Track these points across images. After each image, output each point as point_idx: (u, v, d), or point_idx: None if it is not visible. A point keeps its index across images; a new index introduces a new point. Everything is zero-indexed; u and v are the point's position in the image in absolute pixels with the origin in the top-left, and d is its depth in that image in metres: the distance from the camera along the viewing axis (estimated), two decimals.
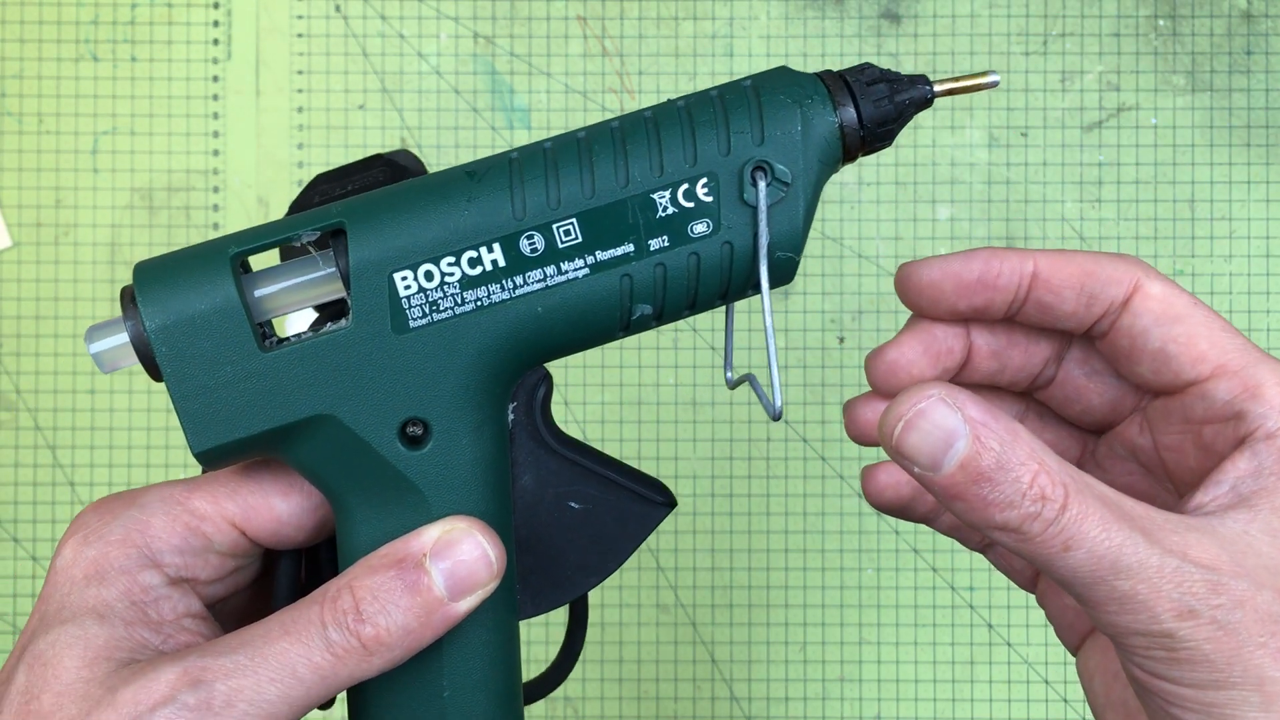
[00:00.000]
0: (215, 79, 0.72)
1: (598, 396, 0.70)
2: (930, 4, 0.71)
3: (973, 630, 0.71)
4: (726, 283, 0.37)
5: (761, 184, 0.36)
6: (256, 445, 0.37)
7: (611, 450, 0.69)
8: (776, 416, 0.38)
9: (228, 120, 0.72)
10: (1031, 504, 0.32)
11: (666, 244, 0.37)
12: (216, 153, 0.72)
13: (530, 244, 0.37)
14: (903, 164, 0.71)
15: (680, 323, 0.71)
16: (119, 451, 0.72)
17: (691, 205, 0.37)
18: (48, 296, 0.72)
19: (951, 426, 0.32)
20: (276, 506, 0.39)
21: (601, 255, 0.37)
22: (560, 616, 0.43)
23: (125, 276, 0.71)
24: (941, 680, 0.71)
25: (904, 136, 0.71)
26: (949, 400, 0.32)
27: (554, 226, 0.36)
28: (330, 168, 0.48)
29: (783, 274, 0.38)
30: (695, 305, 0.38)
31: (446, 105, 0.72)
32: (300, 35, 0.72)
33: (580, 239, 0.37)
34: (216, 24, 0.72)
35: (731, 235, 0.37)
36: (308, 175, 0.71)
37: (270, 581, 0.41)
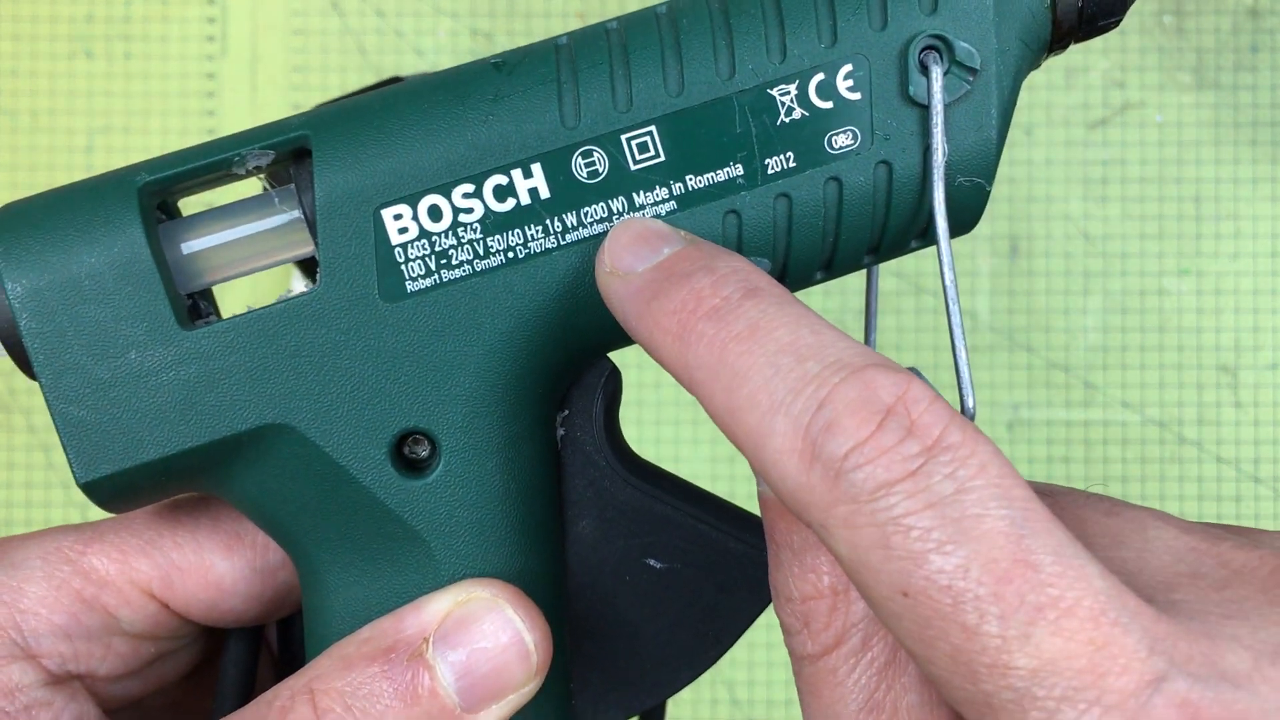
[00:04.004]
0: (211, 76, 0.72)
1: None
2: None
3: None
4: (881, 224, 0.26)
5: (936, 71, 0.25)
6: (179, 474, 0.26)
7: None
8: (969, 417, 0.25)
9: (224, 117, 0.71)
10: None
11: (793, 164, 0.25)
12: None
13: (588, 164, 0.25)
14: None
15: None
16: None
17: (829, 105, 0.25)
18: None
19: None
20: (215, 567, 0.27)
21: (695, 182, 0.25)
22: None
23: None
24: None
25: None
26: None
27: (623, 138, 0.25)
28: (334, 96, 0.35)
29: (968, 211, 0.26)
30: (833, 263, 0.27)
31: None
32: (297, 32, 0.72)
33: (663, 157, 0.25)
34: (212, 20, 0.72)
35: (890, 150, 0.25)
36: None
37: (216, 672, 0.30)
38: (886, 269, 0.70)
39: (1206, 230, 0.70)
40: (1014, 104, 0.26)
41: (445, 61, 0.71)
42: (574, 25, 0.71)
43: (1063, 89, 0.70)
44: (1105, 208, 0.70)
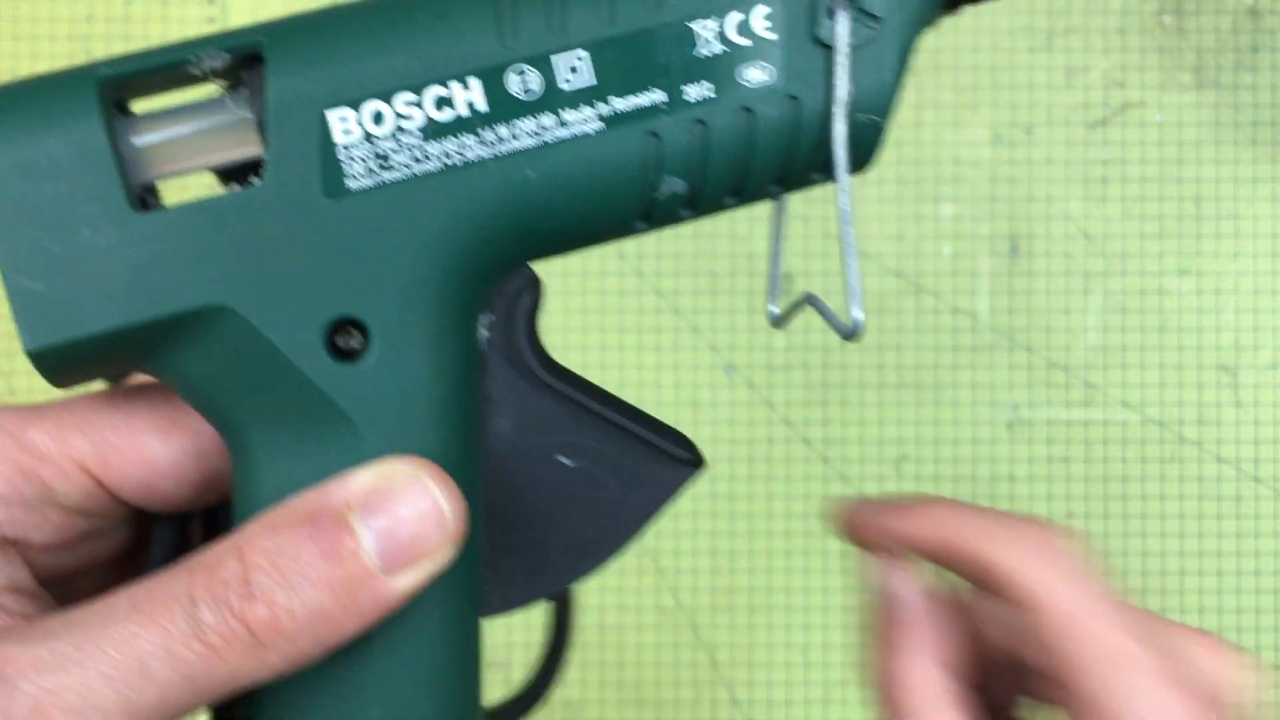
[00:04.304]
0: None
1: None
2: None
3: None
4: (787, 154, 0.29)
5: (843, 16, 0.28)
6: (121, 350, 0.27)
7: None
8: (851, 335, 0.29)
9: None
10: None
11: (710, 94, 0.28)
12: None
13: (522, 82, 0.27)
14: (905, 162, 0.70)
15: (680, 321, 0.70)
16: None
17: (746, 42, 0.28)
18: None
19: None
20: (149, 448, 0.29)
21: (620, 104, 0.27)
22: (537, 618, 0.34)
23: None
24: None
25: (906, 133, 0.70)
26: None
27: (556, 60, 0.27)
28: None
29: (864, 147, 0.29)
30: (743, 189, 0.29)
31: None
32: None
33: (592, 80, 0.27)
34: (212, 20, 0.72)
35: (798, 86, 0.28)
36: None
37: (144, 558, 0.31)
38: (886, 269, 0.70)
39: (1207, 230, 0.70)
40: (911, 53, 0.29)
41: None
42: None
43: (1063, 89, 0.70)
44: (1105, 207, 0.70)
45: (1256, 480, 0.69)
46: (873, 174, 0.70)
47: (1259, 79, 0.70)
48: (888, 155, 0.71)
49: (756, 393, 0.70)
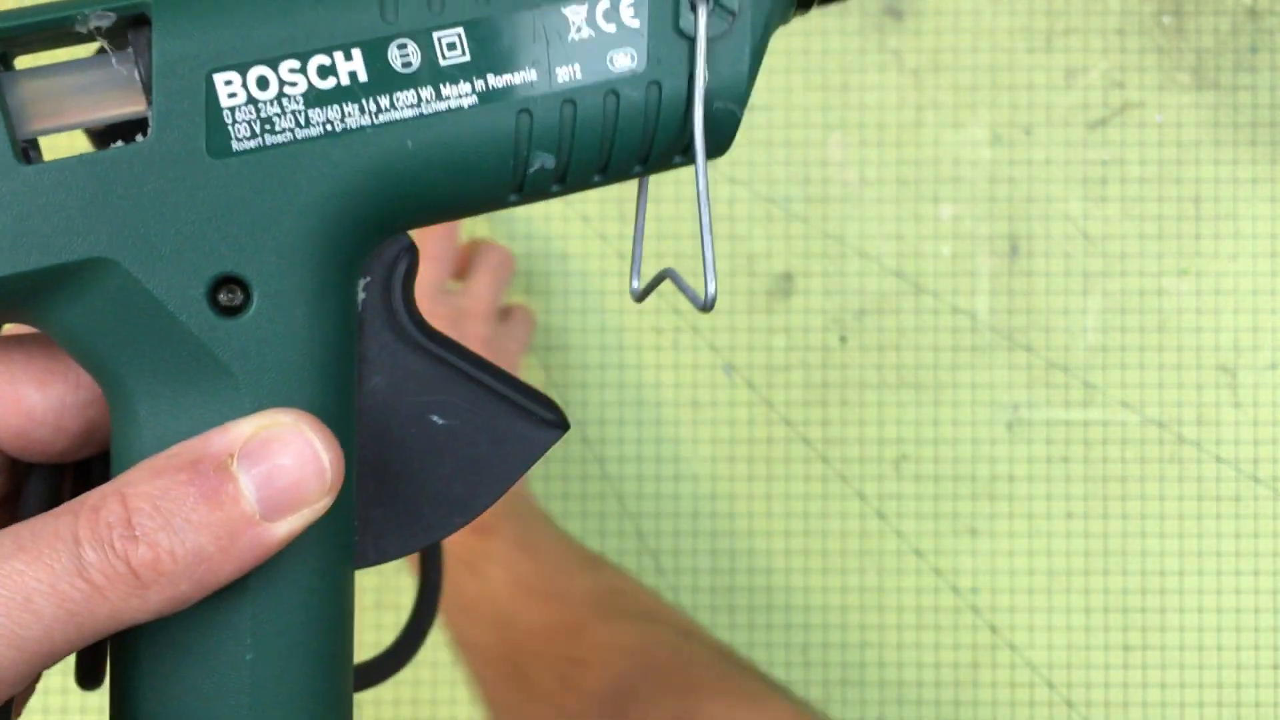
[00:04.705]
0: None
1: (598, 396, 0.70)
2: (933, 0, 0.71)
3: (975, 632, 0.70)
4: (650, 136, 0.30)
5: (703, 10, 0.29)
6: (4, 299, 0.28)
7: (610, 451, 0.69)
8: (705, 306, 0.30)
9: None
10: None
11: (579, 76, 0.29)
12: None
13: (403, 55, 0.28)
14: (905, 162, 0.71)
15: (680, 323, 0.70)
16: None
17: (613, 29, 0.29)
18: None
19: None
20: (28, 397, 0.29)
21: (495, 81, 0.29)
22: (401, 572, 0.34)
23: None
24: (944, 683, 0.70)
25: (906, 133, 0.70)
26: None
27: (435, 35, 0.28)
28: None
29: (721, 134, 0.31)
30: (608, 168, 0.31)
31: None
32: None
33: (468, 56, 0.29)
34: None
35: (661, 73, 0.30)
36: None
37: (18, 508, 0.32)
38: (886, 269, 0.70)
39: (1206, 230, 0.70)
40: (765, 47, 0.31)
41: None
42: None
43: (1062, 89, 0.70)
44: (1105, 208, 0.70)
45: (1255, 480, 0.70)
46: (873, 175, 0.71)
47: (1258, 79, 0.70)
48: (888, 155, 0.71)
49: (756, 393, 0.70)
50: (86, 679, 0.31)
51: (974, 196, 0.70)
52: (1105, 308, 0.70)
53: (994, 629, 0.70)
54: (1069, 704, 0.70)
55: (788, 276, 0.71)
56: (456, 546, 0.62)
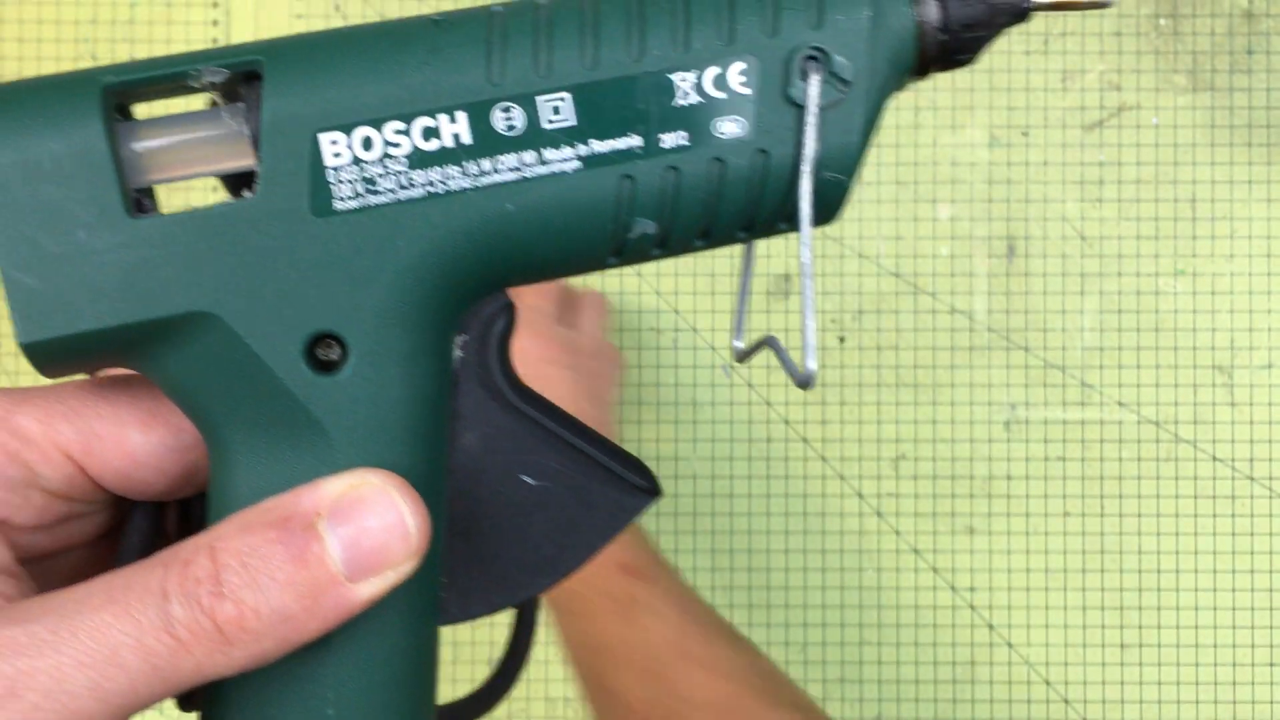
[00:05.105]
0: None
1: None
2: None
3: (973, 631, 0.70)
4: (755, 204, 0.30)
5: (815, 78, 0.29)
6: (111, 346, 0.28)
7: None
8: (805, 384, 0.30)
9: None
10: None
11: (685, 142, 0.29)
12: None
13: (507, 119, 0.28)
14: (903, 163, 0.71)
15: (681, 321, 0.71)
16: None
17: (722, 95, 0.29)
18: None
19: None
20: (131, 439, 0.29)
21: (599, 146, 0.28)
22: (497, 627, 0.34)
23: None
24: (942, 681, 0.70)
25: (904, 135, 0.71)
26: None
27: (539, 100, 0.28)
28: None
29: (829, 203, 0.30)
30: (711, 233, 0.30)
31: None
32: None
33: (573, 121, 0.28)
34: (216, 23, 0.72)
35: (769, 141, 0.29)
36: None
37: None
38: (884, 269, 0.71)
39: (1202, 231, 0.70)
40: (879, 116, 0.30)
41: None
42: None
43: (1059, 91, 0.71)
44: (1101, 209, 0.71)
45: (1251, 479, 0.70)
46: (871, 176, 0.71)
47: (1254, 81, 0.70)
48: (887, 157, 0.71)
49: (756, 393, 0.71)
50: (185, 701, 0.31)
51: (972, 197, 0.71)
52: (1102, 308, 0.70)
53: (992, 627, 0.70)
54: (1066, 701, 0.70)
55: (787, 277, 0.71)
56: (604, 581, 0.59)
